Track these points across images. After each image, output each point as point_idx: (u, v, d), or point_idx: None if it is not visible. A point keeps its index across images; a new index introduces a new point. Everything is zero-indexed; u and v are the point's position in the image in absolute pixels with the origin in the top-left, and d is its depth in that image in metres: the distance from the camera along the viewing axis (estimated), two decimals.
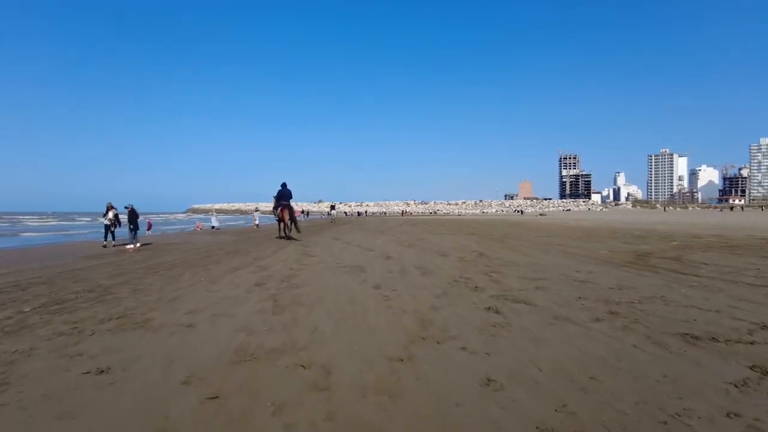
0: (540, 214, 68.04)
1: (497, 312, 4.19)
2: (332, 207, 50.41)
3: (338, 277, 6.42)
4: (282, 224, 14.54)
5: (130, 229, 12.76)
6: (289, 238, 14.26)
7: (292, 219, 14.33)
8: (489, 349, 3.14)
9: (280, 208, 14.33)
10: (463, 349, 3.16)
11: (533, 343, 3.25)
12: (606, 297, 4.75)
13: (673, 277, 5.94)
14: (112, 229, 12.82)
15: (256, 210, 29.21)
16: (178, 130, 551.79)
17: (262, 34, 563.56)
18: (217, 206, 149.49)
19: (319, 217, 64.71)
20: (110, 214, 12.77)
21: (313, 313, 4.27)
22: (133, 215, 12.94)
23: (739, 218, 33.78)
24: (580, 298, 4.75)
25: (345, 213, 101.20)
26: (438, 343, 3.31)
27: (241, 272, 7.18)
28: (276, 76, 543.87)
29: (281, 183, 14.48)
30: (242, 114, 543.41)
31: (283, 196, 14.28)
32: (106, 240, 12.78)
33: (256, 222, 28.41)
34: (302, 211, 69.09)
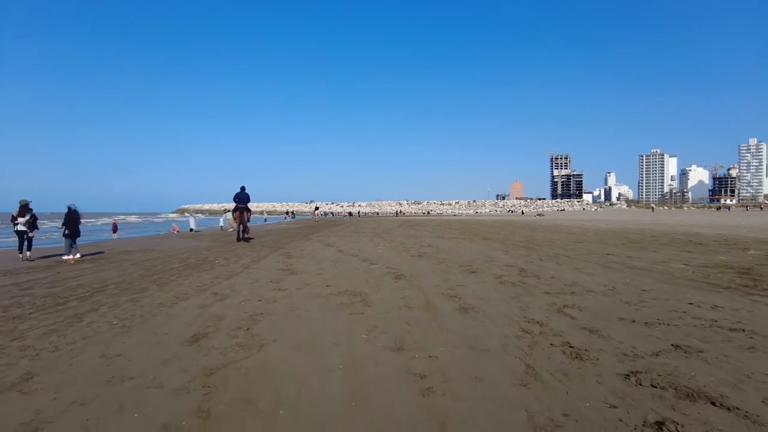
0: (538, 215, 66.27)
1: None
2: (316, 208, 51.73)
3: (329, 320, 4.04)
4: (240, 227, 14.64)
5: (65, 235, 10.17)
6: (241, 239, 14.46)
7: (243, 222, 14.44)
8: None
9: (236, 211, 14.59)
10: None
11: None
12: None
13: None
14: (30, 234, 10.15)
15: (226, 211, 25.96)
16: (178, 130, 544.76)
17: (260, 35, 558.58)
18: (206, 206, 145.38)
19: (310, 217, 62.15)
20: (27, 216, 10.11)
21: None
22: (72, 218, 10.35)
23: (752, 218, 32.06)
24: None
25: (333, 214, 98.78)
26: None
27: (184, 306, 4.77)
28: (272, 76, 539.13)
29: (240, 186, 14.55)
30: (239, 114, 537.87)
31: (241, 200, 14.40)
32: (21, 251, 9.98)
33: (221, 224, 25.57)
34: (290, 212, 66.46)
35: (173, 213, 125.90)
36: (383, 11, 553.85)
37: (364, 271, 7.02)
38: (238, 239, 14.47)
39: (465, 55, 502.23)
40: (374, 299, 4.86)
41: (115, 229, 24.70)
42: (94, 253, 11.53)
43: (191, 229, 25.07)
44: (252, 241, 14.81)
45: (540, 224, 26.32)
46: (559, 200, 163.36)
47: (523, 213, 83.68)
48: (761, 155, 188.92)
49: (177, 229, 26.06)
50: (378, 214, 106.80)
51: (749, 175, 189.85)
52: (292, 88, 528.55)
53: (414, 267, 7.42)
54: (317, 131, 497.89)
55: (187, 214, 26.39)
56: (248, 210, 14.78)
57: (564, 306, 4.37)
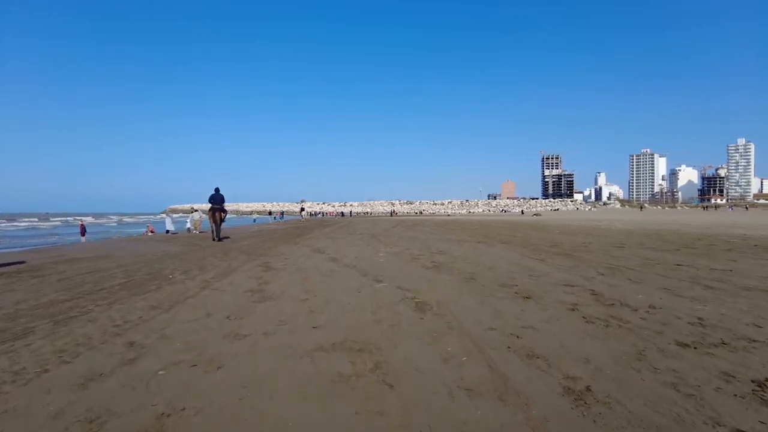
0: (535, 214, 64.90)
1: None
2: (302, 209, 53.30)
3: None
4: (213, 227, 14.93)
5: None
6: (216, 239, 14.60)
7: (215, 222, 14.71)
8: None
9: (210, 211, 14.97)
10: None
11: None
12: None
13: None
14: None
15: (193, 211, 22.91)
16: (178, 130, 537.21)
17: (260, 35, 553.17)
18: (196, 206, 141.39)
19: (298, 217, 59.85)
20: None
21: None
22: None
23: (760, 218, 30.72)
24: None
25: (323, 214, 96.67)
26: None
27: (50, 381, 2.65)
28: (272, 76, 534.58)
29: (215, 188, 15.04)
30: (239, 114, 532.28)
31: (216, 200, 14.85)
32: None
33: (188, 226, 22.84)
34: (280, 213, 64.19)
35: (163, 213, 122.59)
36: (383, 11, 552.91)
37: (367, 295, 4.94)
38: (214, 239, 14.63)
39: (465, 55, 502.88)
40: (395, 362, 2.78)
41: (83, 231, 22.26)
42: (19, 263, 9.24)
43: (167, 231, 22.71)
44: (229, 243, 13.18)
45: (547, 225, 24.50)
46: (552, 200, 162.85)
47: (522, 213, 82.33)
48: (749, 155, 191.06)
49: (152, 230, 23.69)
50: (371, 214, 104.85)
51: (737, 175, 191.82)
52: (292, 88, 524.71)
53: (436, 287, 5.36)
54: (317, 131, 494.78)
55: (164, 215, 23.82)
56: (223, 210, 15.22)
57: (762, 383, 2.35)
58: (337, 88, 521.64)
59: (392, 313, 4.07)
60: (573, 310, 4.06)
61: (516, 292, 4.88)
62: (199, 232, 21.03)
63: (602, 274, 6.04)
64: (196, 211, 22.92)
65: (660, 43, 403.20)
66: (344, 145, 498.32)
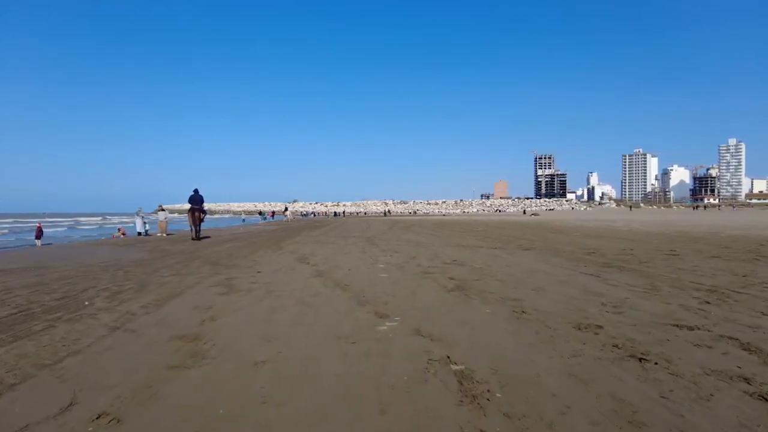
0: (533, 214, 63.47)
1: None
2: (285, 209, 52.05)
3: None
4: (193, 227, 15.17)
5: None
6: (197, 239, 14.80)
7: (195, 222, 15.00)
8: None
9: (189, 212, 15.40)
10: None
11: None
12: None
13: None
14: None
15: (162, 210, 20.37)
16: (178, 130, 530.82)
17: (260, 35, 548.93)
18: (165, 205, 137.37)
19: (283, 218, 57.67)
20: None
21: None
22: None
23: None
24: None
25: (314, 214, 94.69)
26: None
27: None
28: (272, 76, 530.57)
29: (194, 189, 15.35)
30: (239, 114, 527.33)
31: (195, 201, 15.22)
32: None
33: (147, 228, 21.04)
34: (264, 212, 61.98)
35: (153, 212, 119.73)
36: (383, 11, 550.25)
37: (367, 352, 2.98)
38: (193, 238, 14.90)
39: (465, 55, 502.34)
40: None
41: (38, 234, 19.80)
42: None
43: (139, 233, 20.48)
44: (202, 248, 11.86)
45: (556, 225, 22.72)
46: (547, 199, 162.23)
47: (524, 212, 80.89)
48: (740, 155, 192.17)
49: (123, 233, 21.45)
50: (365, 213, 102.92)
51: (729, 174, 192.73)
52: (292, 88, 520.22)
53: (474, 330, 3.43)
54: (317, 131, 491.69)
55: (136, 216, 21.59)
56: (202, 211, 15.65)
57: None
58: (337, 88, 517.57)
59: (419, 408, 2.11)
60: (759, 398, 2.15)
61: (615, 345, 2.95)
62: (167, 235, 18.80)
63: (708, 302, 4.14)
64: (163, 210, 20.66)
65: (653, 44, 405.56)
66: (344, 145, 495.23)
